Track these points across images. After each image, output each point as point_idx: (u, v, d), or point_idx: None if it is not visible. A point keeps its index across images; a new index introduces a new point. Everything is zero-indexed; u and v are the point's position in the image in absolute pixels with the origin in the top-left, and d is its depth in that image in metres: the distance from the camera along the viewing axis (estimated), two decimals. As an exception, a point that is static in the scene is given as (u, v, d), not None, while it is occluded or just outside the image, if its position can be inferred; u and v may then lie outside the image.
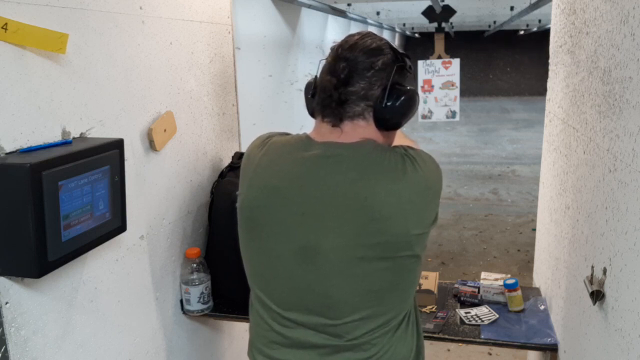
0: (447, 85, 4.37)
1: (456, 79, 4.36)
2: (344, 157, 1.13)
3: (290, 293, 1.19)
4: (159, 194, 1.60)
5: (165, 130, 1.58)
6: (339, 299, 1.15)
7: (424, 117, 4.48)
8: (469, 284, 1.90)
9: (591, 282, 1.22)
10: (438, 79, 4.37)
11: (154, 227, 1.58)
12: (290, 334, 1.21)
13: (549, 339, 1.63)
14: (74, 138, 1.22)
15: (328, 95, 1.14)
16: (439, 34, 4.54)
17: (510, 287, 1.80)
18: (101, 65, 1.31)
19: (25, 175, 0.99)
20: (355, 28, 9.60)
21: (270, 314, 1.23)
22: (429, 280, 1.91)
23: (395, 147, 1.19)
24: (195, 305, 1.73)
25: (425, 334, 1.58)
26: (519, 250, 5.06)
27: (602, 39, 1.21)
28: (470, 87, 17.16)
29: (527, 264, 4.58)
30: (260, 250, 1.21)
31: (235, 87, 2.08)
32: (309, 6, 5.51)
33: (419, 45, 16.15)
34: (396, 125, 1.19)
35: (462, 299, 1.87)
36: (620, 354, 1.04)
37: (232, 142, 2.08)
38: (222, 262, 1.80)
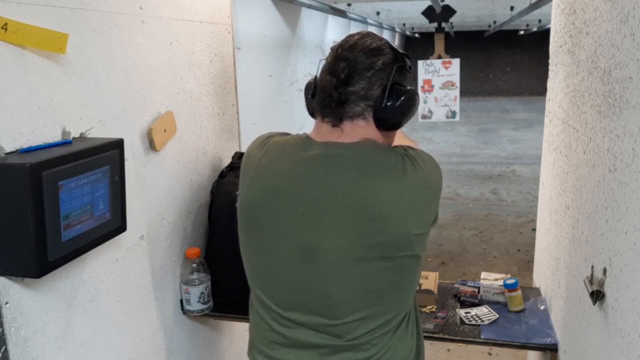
0: (447, 85, 4.37)
1: (456, 79, 4.36)
2: (344, 157, 1.13)
3: (290, 293, 1.19)
4: (159, 194, 1.60)
5: (165, 130, 1.58)
6: (339, 299, 1.15)
7: (424, 117, 4.48)
8: (469, 284, 1.90)
9: (591, 282, 1.22)
10: (438, 79, 4.37)
11: (154, 227, 1.58)
12: (290, 334, 1.21)
13: (549, 339, 1.63)
14: (74, 138, 1.22)
15: (328, 95, 1.14)
16: (439, 34, 4.54)
17: (510, 287, 1.80)
18: (101, 65, 1.31)
19: (25, 175, 0.99)
20: (355, 28, 9.60)
21: (270, 314, 1.23)
22: (429, 280, 1.91)
23: (395, 147, 1.19)
24: (195, 305, 1.73)
25: (425, 334, 1.58)
26: (519, 250, 5.06)
27: (602, 39, 1.21)
28: (470, 87, 17.16)
29: (527, 264, 4.58)
30: (260, 250, 1.21)
31: (235, 87, 2.08)
32: (309, 6, 5.51)
33: (419, 45, 16.15)
34: (396, 125, 1.19)
35: (462, 299, 1.87)
36: (620, 354, 1.04)
37: (232, 142, 2.08)
38: (222, 262, 1.80)
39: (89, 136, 1.27)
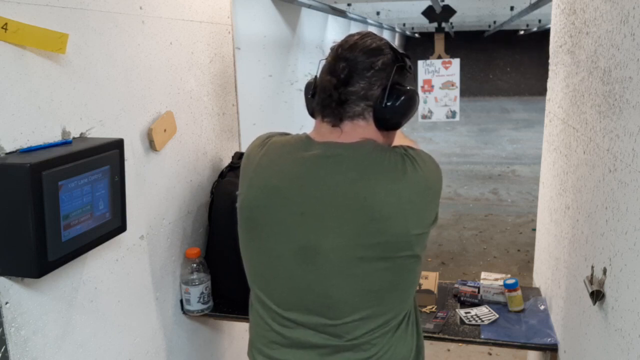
0: (447, 85, 4.37)
1: (456, 79, 4.36)
2: (344, 157, 1.13)
3: (290, 293, 1.19)
4: (159, 194, 1.60)
5: (165, 130, 1.58)
6: (339, 299, 1.15)
7: (424, 117, 4.48)
8: (469, 284, 1.90)
9: (591, 282, 1.22)
10: (438, 79, 4.37)
11: (154, 227, 1.58)
12: (290, 334, 1.21)
13: (549, 339, 1.63)
14: (74, 138, 1.22)
15: (328, 95, 1.14)
16: (439, 34, 4.55)
17: (510, 287, 1.80)
18: (101, 65, 1.31)
19: (25, 175, 0.99)
20: (355, 28, 9.60)
21: (270, 314, 1.23)
22: (429, 280, 1.91)
23: (395, 147, 1.19)
24: (195, 305, 1.73)
25: (425, 334, 1.58)
26: (519, 250, 5.06)
27: (602, 39, 1.21)
28: (470, 87, 17.17)
29: (527, 264, 4.58)
30: (260, 250, 1.21)
31: (235, 87, 2.08)
32: (309, 6, 5.51)
33: (419, 45, 16.15)
34: (396, 125, 1.19)
35: (462, 299, 1.87)
36: (620, 354, 1.04)
37: (232, 142, 2.08)
38: (222, 262, 1.80)
39: (89, 136, 1.27)
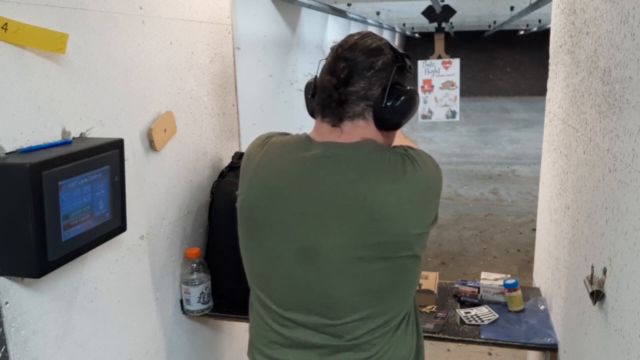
0: (447, 85, 4.37)
1: (456, 79, 4.36)
2: (344, 157, 1.13)
3: (290, 293, 1.19)
4: (159, 194, 1.61)
5: (165, 130, 1.58)
6: (339, 299, 1.15)
7: (424, 117, 4.48)
8: (469, 284, 1.90)
9: (591, 282, 1.22)
10: (438, 79, 4.37)
11: (154, 227, 1.59)
12: (290, 334, 1.21)
13: (549, 339, 1.63)
14: (74, 138, 1.22)
15: (328, 95, 1.14)
16: (439, 34, 4.55)
17: (510, 287, 1.80)
18: (101, 65, 1.31)
19: (25, 175, 0.99)
20: (355, 28, 9.60)
21: (270, 314, 1.23)
22: (429, 280, 1.91)
23: (395, 147, 1.19)
24: (195, 305, 1.73)
25: (425, 334, 1.58)
26: (519, 250, 5.06)
27: (602, 39, 1.21)
28: (470, 87, 17.17)
29: (527, 264, 4.58)
30: (260, 250, 1.21)
31: (235, 87, 2.08)
32: (309, 6, 5.51)
33: (419, 45, 16.15)
34: (396, 125, 1.19)
35: (462, 299, 1.87)
36: (620, 354, 1.04)
37: (232, 142, 2.08)
38: (222, 262, 1.80)
39: (89, 136, 1.27)
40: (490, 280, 1.88)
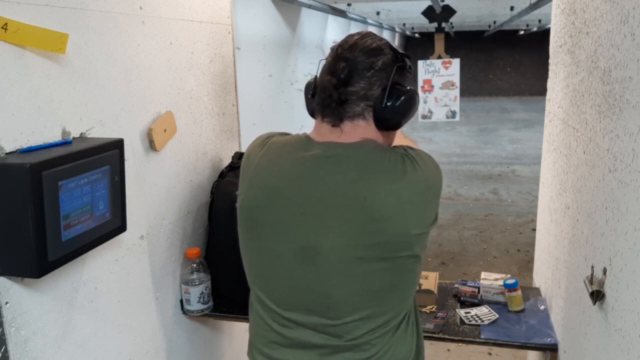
0: (447, 85, 4.37)
1: (456, 79, 4.36)
2: (344, 157, 1.13)
3: (290, 293, 1.19)
4: (159, 194, 1.61)
5: (165, 130, 1.58)
6: (338, 299, 1.15)
7: (424, 117, 4.48)
8: (469, 284, 1.90)
9: (591, 282, 1.22)
10: (438, 79, 4.37)
11: (154, 227, 1.59)
12: (290, 334, 1.21)
13: (549, 339, 1.63)
14: (74, 138, 1.22)
15: (328, 95, 1.14)
16: (439, 34, 4.55)
17: (510, 287, 1.80)
18: (101, 65, 1.31)
19: (25, 175, 0.99)
20: (355, 28, 9.60)
21: (270, 314, 1.23)
22: (429, 280, 1.91)
23: (395, 147, 1.19)
24: (195, 305, 1.73)
25: (425, 334, 1.58)
26: (519, 250, 5.06)
27: (602, 39, 1.21)
28: (470, 87, 17.17)
29: (527, 264, 4.58)
30: (260, 250, 1.21)
31: (235, 87, 2.08)
32: (309, 6, 5.51)
33: (419, 45, 16.15)
34: (396, 125, 1.19)
35: (462, 299, 1.87)
36: (620, 354, 1.04)
37: (232, 142, 2.08)
38: (222, 262, 1.80)
39: (89, 136, 1.27)
40: (490, 280, 1.88)
